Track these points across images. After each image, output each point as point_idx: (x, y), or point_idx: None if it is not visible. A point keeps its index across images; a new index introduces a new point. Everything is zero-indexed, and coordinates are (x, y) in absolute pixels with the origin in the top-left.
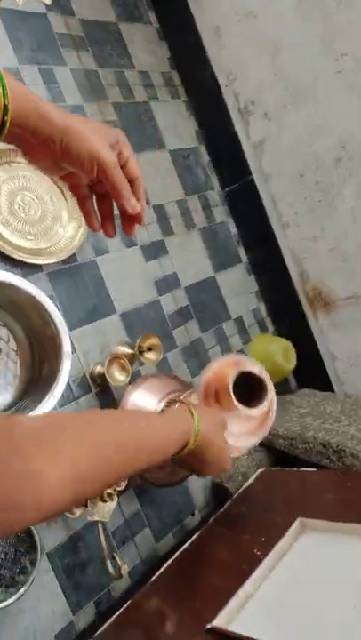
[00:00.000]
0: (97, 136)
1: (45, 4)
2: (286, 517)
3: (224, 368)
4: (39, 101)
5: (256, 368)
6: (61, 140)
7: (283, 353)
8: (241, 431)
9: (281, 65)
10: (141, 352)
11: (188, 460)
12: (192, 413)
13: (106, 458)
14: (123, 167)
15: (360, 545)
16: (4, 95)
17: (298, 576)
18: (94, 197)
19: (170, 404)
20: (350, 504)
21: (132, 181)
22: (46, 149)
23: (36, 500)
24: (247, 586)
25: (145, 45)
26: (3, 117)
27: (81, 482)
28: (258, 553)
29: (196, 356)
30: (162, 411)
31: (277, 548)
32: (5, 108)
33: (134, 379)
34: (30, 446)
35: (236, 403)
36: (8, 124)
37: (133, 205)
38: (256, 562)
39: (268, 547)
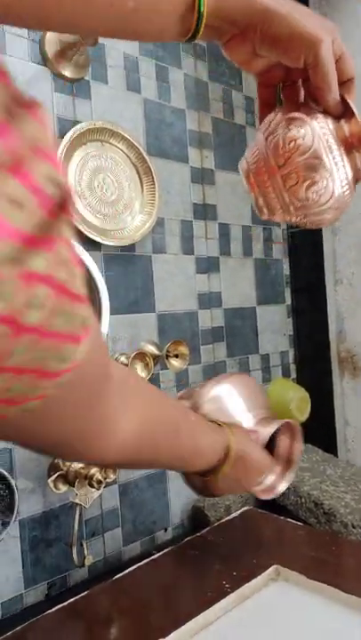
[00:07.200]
0: (311, 19)
1: None
2: (262, 560)
3: None
4: None
5: None
6: (263, 26)
7: (298, 403)
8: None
9: None
10: (168, 356)
11: (227, 477)
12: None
13: (162, 433)
14: (336, 62)
15: (328, 608)
16: None
17: (260, 619)
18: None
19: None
20: (329, 566)
21: (343, 83)
22: (245, 39)
23: (105, 445)
24: (208, 613)
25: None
26: (199, 10)
27: (139, 443)
28: (226, 585)
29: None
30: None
31: (247, 586)
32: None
33: (151, 381)
34: (116, 396)
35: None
36: (205, 18)
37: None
38: (222, 593)
39: (238, 582)
